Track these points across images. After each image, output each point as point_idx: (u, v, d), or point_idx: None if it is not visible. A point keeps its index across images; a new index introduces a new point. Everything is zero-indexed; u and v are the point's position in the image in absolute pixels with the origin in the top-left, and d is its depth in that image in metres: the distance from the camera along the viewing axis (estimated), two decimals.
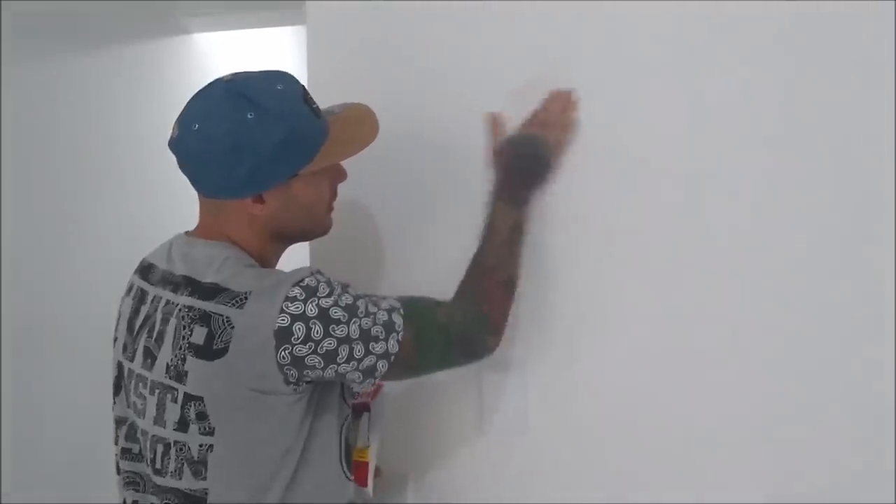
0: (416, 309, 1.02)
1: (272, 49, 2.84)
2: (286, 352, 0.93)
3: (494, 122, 1.18)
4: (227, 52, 2.65)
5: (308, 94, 1.03)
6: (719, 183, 1.05)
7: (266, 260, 1.06)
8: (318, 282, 0.97)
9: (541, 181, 1.14)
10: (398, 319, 0.99)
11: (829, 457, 1.01)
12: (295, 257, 1.13)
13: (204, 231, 1.05)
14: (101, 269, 2.26)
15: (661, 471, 1.12)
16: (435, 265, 1.24)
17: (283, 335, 0.93)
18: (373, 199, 1.30)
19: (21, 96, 2.00)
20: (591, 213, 1.14)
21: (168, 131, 1.02)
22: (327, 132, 1.02)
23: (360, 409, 1.18)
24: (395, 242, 1.31)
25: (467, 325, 1.04)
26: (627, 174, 1.11)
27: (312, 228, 1.09)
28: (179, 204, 2.36)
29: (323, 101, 1.08)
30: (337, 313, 0.95)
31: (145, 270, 1.07)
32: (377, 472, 1.21)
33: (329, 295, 0.96)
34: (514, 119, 1.16)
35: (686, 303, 1.08)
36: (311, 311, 0.94)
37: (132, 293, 1.07)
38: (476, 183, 1.17)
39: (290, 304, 0.94)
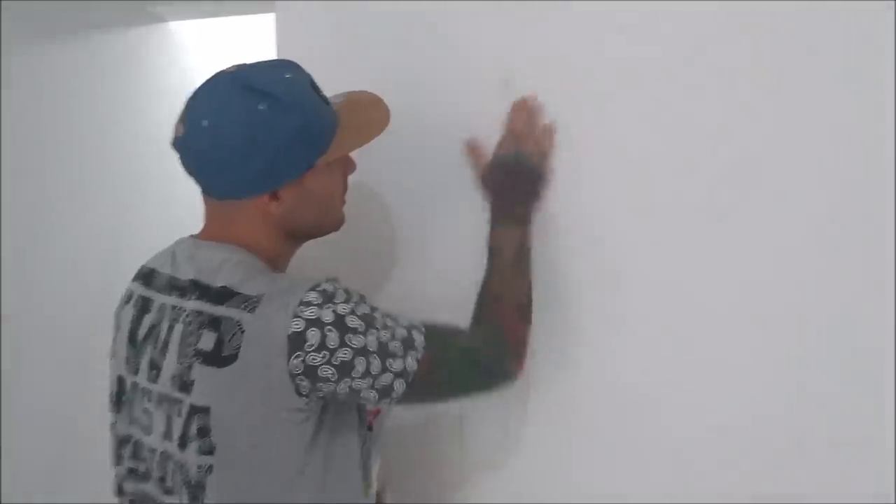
0: (437, 329, 0.98)
1: (248, 38, 2.78)
2: (299, 360, 0.88)
3: (472, 150, 1.16)
4: (202, 40, 2.58)
5: (315, 82, 1.00)
6: (719, 186, 1.05)
7: (278, 262, 1.02)
8: (336, 288, 0.92)
9: (535, 195, 1.11)
10: (418, 337, 0.94)
11: (828, 457, 1.02)
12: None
13: (212, 234, 0.99)
14: (76, 265, 2.22)
15: (657, 472, 1.12)
16: (417, 269, 1.22)
17: (296, 341, 0.88)
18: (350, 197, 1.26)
19: None
20: (588, 220, 1.13)
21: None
22: (337, 121, 0.99)
23: None
24: (375, 243, 1.27)
25: (489, 351, 1.00)
26: (621, 179, 1.10)
27: (328, 223, 1.06)
28: (158, 200, 2.34)
29: None
30: (354, 322, 0.90)
31: (147, 277, 1.01)
32: (379, 496, 1.15)
33: (346, 302, 0.91)
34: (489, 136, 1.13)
35: (684, 306, 1.08)
36: (328, 317, 0.89)
37: (133, 301, 1.01)
38: (451, 176, 1.15)
39: (305, 309, 0.89)
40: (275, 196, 0.96)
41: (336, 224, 1.07)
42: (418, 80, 1.21)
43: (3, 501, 1.92)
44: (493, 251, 1.07)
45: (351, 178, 1.09)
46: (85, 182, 2.25)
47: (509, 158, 1.10)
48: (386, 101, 1.07)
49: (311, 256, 1.15)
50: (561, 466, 1.18)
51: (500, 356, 1.01)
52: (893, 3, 0.93)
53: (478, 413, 1.21)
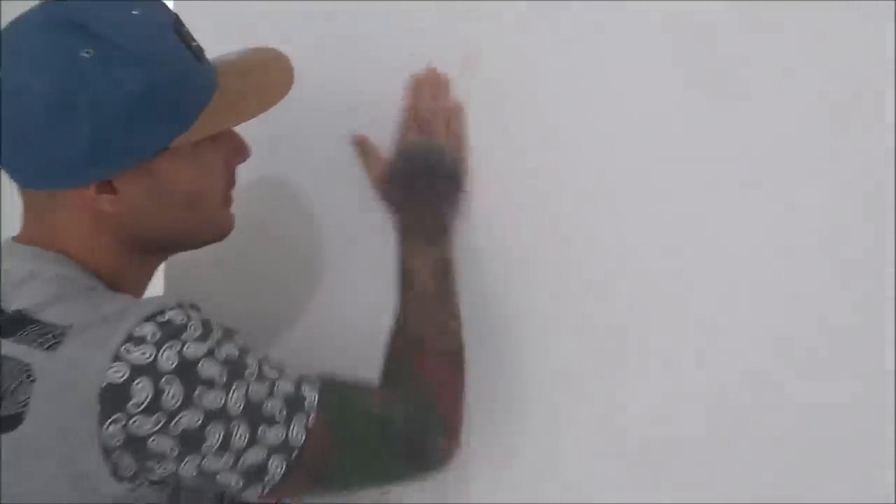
0: (338, 386, 0.71)
1: None
2: (118, 426, 0.61)
3: (360, 147, 0.89)
4: None
5: (183, 25, 0.72)
6: (714, 188, 0.99)
7: (123, 281, 0.74)
8: (188, 319, 0.65)
9: (454, 197, 0.86)
10: (310, 395, 0.67)
11: (828, 457, 0.99)
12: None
13: (30, 237, 0.73)
14: None
15: (653, 473, 1.09)
16: (340, 290, 1.02)
17: (114, 397, 0.60)
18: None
19: None
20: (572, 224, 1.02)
21: None
22: (215, 84, 0.72)
23: None
24: (284, 255, 1.08)
25: (412, 421, 0.72)
26: (612, 181, 1.01)
27: (200, 230, 0.77)
28: None
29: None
30: (210, 370, 0.63)
31: None
32: None
33: (202, 339, 0.64)
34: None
35: (677, 307, 1.01)
36: (168, 361, 0.62)
37: None
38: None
39: (133, 348, 0.62)
40: (108, 187, 0.69)
41: (216, 231, 0.79)
42: (335, 39, 1.00)
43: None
44: (406, 278, 0.80)
45: (248, 168, 0.83)
46: None
47: (417, 154, 0.85)
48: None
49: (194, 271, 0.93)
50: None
51: (427, 428, 0.73)
52: (893, 2, 0.89)
53: None
